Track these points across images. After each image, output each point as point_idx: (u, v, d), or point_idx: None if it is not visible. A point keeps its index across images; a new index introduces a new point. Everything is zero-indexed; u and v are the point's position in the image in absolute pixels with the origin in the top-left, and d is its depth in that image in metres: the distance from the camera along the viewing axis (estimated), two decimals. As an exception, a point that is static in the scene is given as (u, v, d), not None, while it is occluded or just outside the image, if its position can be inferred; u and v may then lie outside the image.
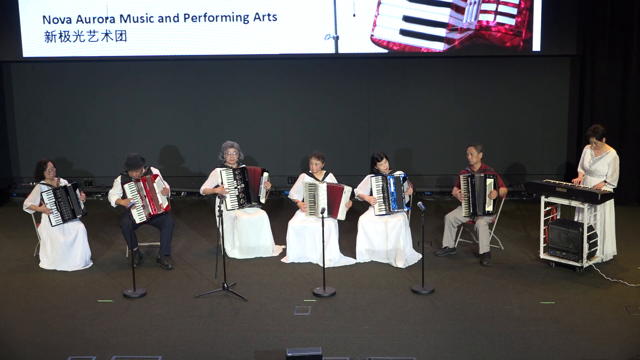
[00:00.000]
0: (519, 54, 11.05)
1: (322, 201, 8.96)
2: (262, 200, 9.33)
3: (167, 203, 9.15)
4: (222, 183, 9.17)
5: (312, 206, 9.03)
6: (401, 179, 8.94)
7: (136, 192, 8.91)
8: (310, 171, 9.17)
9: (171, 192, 10.16)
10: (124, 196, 8.96)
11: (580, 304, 7.79)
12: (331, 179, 9.17)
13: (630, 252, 9.17)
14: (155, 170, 9.21)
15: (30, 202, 8.88)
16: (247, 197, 9.24)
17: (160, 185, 9.08)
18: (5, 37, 11.40)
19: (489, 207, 8.98)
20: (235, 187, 9.19)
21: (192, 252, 9.53)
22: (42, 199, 8.82)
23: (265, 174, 9.29)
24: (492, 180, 8.96)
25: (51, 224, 8.81)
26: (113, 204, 9.11)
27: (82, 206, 9.02)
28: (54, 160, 9.09)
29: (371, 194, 9.04)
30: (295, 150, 11.69)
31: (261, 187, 9.27)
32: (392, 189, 8.94)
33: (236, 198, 9.19)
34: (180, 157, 11.91)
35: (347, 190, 8.96)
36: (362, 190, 9.17)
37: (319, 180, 9.08)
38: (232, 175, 9.18)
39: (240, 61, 11.53)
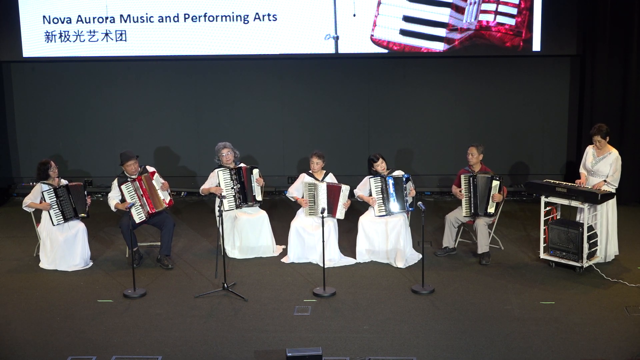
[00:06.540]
0: (519, 54, 11.05)
1: (322, 201, 8.95)
2: (259, 198, 9.28)
3: (169, 198, 9.15)
4: (219, 184, 9.16)
5: (312, 206, 9.03)
6: (404, 179, 8.90)
7: (133, 192, 8.89)
8: (310, 171, 9.16)
9: (171, 193, 10.14)
10: (122, 199, 8.95)
11: (580, 304, 7.79)
12: (331, 178, 9.16)
13: (630, 252, 9.16)
14: (150, 169, 9.21)
15: (30, 200, 8.87)
16: (244, 198, 9.23)
17: (159, 181, 9.08)
18: (5, 37, 11.40)
19: (491, 209, 8.94)
20: (232, 188, 9.18)
21: (192, 252, 9.53)
22: (42, 198, 8.82)
23: (255, 171, 9.24)
24: (498, 182, 8.90)
25: (52, 223, 8.80)
26: (113, 209, 9.09)
27: (87, 207, 9.02)
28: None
29: (370, 195, 9.04)
30: (295, 150, 11.68)
31: (253, 186, 9.24)
32: (392, 189, 8.92)
33: (233, 199, 9.18)
34: (180, 157, 11.91)
35: (345, 189, 8.95)
36: (361, 191, 9.15)
37: (318, 180, 9.07)
38: (229, 176, 9.17)
39: (240, 61, 11.53)
